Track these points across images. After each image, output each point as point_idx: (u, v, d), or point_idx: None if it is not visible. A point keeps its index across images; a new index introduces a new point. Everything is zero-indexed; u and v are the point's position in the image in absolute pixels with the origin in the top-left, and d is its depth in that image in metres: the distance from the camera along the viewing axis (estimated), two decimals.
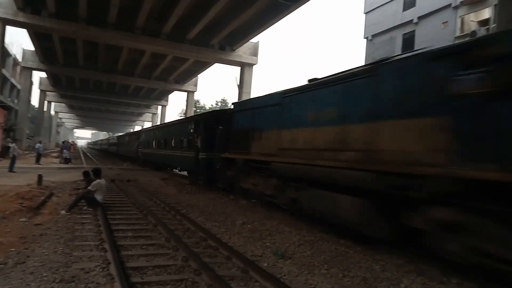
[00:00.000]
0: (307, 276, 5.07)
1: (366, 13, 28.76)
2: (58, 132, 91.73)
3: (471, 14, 21.21)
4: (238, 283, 4.64)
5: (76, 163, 27.48)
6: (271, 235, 7.30)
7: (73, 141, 64.23)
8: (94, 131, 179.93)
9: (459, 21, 21.52)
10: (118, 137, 50.43)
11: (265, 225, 8.11)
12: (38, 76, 53.78)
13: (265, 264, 5.46)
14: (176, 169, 22.36)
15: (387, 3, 26.66)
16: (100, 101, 61.79)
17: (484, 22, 20.29)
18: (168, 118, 57.96)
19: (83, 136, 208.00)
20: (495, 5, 15.41)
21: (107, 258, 5.19)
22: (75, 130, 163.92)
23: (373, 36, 27.85)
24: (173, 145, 19.75)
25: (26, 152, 34.96)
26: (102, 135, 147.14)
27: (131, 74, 40.17)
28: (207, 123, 14.59)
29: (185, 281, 4.58)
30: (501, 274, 4.77)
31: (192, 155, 15.51)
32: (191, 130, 16.18)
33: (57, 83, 50.42)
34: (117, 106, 67.33)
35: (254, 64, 30.47)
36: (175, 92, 50.23)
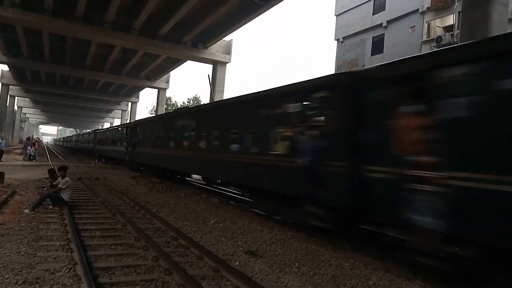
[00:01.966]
0: (278, 274, 5.12)
1: (337, 15, 29.23)
2: (21, 128, 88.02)
3: (437, 20, 22.00)
4: (209, 283, 4.63)
5: (41, 160, 26.48)
6: (243, 233, 7.32)
7: (37, 138, 61.90)
8: (60, 127, 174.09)
9: (425, 26, 22.28)
10: (128, 126, 24.46)
11: (237, 224, 8.12)
12: (0, 69, 51.32)
13: (237, 263, 5.47)
14: None
15: (357, 6, 27.20)
16: (67, 96, 59.67)
17: (448, 28, 21.09)
18: (139, 116, 56.82)
19: (49, 132, 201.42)
20: (459, 12, 16.05)
21: (74, 259, 5.05)
22: (40, 126, 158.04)
23: (344, 38, 28.35)
24: None
25: None
26: (69, 132, 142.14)
27: (100, 69, 38.98)
28: None
29: (155, 281, 4.52)
30: (465, 271, 4.98)
31: None
32: None
33: (21, 77, 48.20)
34: (85, 102, 65.22)
35: (227, 63, 30.29)
36: (147, 89, 49.26)
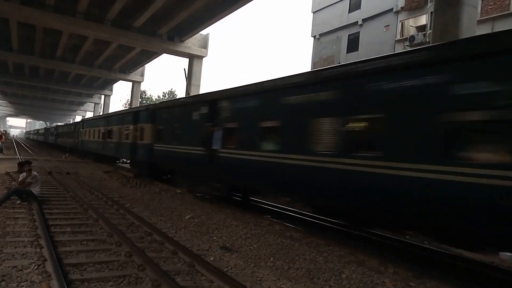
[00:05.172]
0: (253, 269, 5.14)
1: (314, 12, 29.45)
2: None
3: (411, 20, 22.51)
4: (184, 278, 4.60)
5: (8, 153, 25.50)
6: (218, 229, 7.31)
7: (4, 130, 59.63)
8: (29, 120, 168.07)
9: (399, 25, 22.76)
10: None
11: (212, 219, 8.10)
12: None
13: (212, 258, 5.46)
14: None
15: (334, 3, 27.48)
16: (37, 88, 57.63)
17: (421, 28, 21.63)
18: (113, 108, 55.45)
19: (17, 125, 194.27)
20: (431, 12, 16.46)
21: (43, 255, 4.90)
22: (8, 119, 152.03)
23: (320, 35, 28.60)
24: None
25: None
26: (39, 125, 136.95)
27: (72, 60, 37.82)
28: None
29: (128, 277, 4.46)
30: (435, 262, 5.18)
31: None
32: None
33: None
34: (55, 94, 63.15)
35: (204, 57, 30.05)
36: (121, 82, 48.20)
